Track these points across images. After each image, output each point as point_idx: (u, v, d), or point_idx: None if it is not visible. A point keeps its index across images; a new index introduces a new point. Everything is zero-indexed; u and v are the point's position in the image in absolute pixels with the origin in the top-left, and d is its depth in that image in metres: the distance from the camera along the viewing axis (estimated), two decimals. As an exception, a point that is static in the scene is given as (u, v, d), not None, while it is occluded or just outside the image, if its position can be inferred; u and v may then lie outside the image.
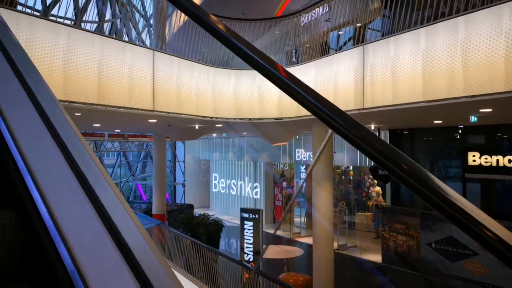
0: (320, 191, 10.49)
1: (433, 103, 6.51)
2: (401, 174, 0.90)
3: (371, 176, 21.36)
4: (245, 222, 11.44)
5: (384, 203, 17.69)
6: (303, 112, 8.96)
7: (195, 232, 14.02)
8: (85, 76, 6.82)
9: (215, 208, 24.58)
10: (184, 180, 20.98)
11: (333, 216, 11.00)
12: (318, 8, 16.82)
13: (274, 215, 20.83)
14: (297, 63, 10.40)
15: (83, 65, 6.79)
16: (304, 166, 19.85)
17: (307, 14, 17.51)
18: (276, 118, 10.20)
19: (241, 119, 10.21)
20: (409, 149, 13.79)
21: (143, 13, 22.44)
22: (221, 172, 24.19)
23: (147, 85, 7.97)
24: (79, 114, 7.88)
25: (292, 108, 9.77)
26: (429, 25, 6.61)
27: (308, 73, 9.42)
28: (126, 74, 7.54)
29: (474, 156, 11.44)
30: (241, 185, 22.50)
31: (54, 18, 6.60)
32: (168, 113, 8.52)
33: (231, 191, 23.28)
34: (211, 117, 9.76)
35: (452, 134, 12.60)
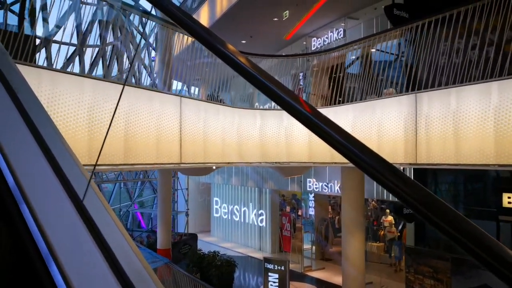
0: (351, 240, 9.71)
1: (509, 168, 5.78)
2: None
3: (374, 199, 20.75)
4: (270, 274, 10.56)
5: (397, 233, 16.99)
6: (339, 157, 8.18)
7: (205, 273, 13.11)
8: (111, 133, 5.96)
9: (216, 233, 23.65)
10: (188, 209, 20.08)
11: (364, 268, 10.20)
12: (331, 33, 16.19)
13: (280, 245, 19.96)
14: (330, 105, 9.60)
15: (109, 121, 5.93)
16: (313, 195, 19.04)
17: (318, 39, 16.88)
18: (305, 162, 9.38)
19: (266, 162, 9.39)
20: (433, 186, 13.10)
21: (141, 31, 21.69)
22: (223, 196, 23.28)
23: (174, 136, 7.13)
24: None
25: (324, 152, 8.96)
26: (504, 79, 5.87)
27: (344, 117, 8.62)
28: (153, 126, 6.69)
29: (509, 197, 10.75)
30: (244, 211, 21.60)
31: (77, 71, 5.73)
32: (195, 163, 7.68)
33: (233, 217, 22.36)
34: (236, 162, 8.95)
35: (483, 173, 11.92)
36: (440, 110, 6.66)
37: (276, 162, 9.40)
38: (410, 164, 7.08)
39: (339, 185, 15.72)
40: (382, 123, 7.72)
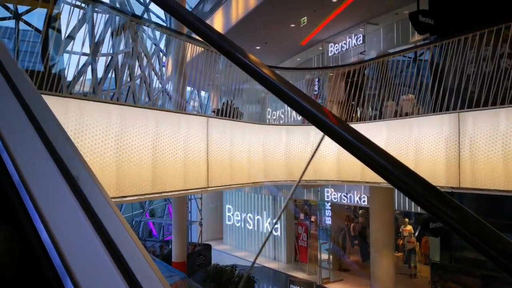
0: (379, 259, 9.30)
1: None
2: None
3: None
4: (296, 295, 10.19)
5: (416, 243, 16.57)
6: (371, 176, 7.73)
7: (223, 288, 12.78)
8: (139, 162, 5.57)
9: (229, 241, 23.24)
10: (201, 219, 19.70)
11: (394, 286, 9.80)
12: (350, 39, 15.75)
13: (296, 254, 19.52)
14: (361, 121, 9.17)
15: (137, 149, 5.55)
16: (329, 204, 18.59)
17: (336, 45, 16.44)
18: (333, 181, 8.95)
19: (292, 181, 8.98)
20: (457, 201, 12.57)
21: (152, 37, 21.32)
22: (235, 204, 22.87)
23: (201, 159, 6.74)
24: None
25: (354, 170, 8.49)
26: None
27: (377, 134, 8.14)
28: (181, 151, 6.31)
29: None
30: (258, 219, 21.19)
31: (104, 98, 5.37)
32: (222, 186, 7.30)
33: (247, 225, 21.95)
34: (262, 182, 8.55)
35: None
36: (487, 132, 6.22)
37: (302, 180, 9.00)
38: (452, 188, 6.65)
39: (359, 195, 15.31)
40: (420, 142, 7.27)
